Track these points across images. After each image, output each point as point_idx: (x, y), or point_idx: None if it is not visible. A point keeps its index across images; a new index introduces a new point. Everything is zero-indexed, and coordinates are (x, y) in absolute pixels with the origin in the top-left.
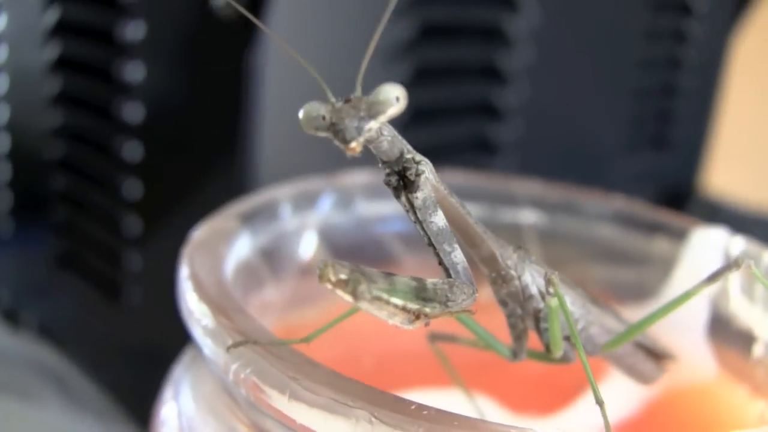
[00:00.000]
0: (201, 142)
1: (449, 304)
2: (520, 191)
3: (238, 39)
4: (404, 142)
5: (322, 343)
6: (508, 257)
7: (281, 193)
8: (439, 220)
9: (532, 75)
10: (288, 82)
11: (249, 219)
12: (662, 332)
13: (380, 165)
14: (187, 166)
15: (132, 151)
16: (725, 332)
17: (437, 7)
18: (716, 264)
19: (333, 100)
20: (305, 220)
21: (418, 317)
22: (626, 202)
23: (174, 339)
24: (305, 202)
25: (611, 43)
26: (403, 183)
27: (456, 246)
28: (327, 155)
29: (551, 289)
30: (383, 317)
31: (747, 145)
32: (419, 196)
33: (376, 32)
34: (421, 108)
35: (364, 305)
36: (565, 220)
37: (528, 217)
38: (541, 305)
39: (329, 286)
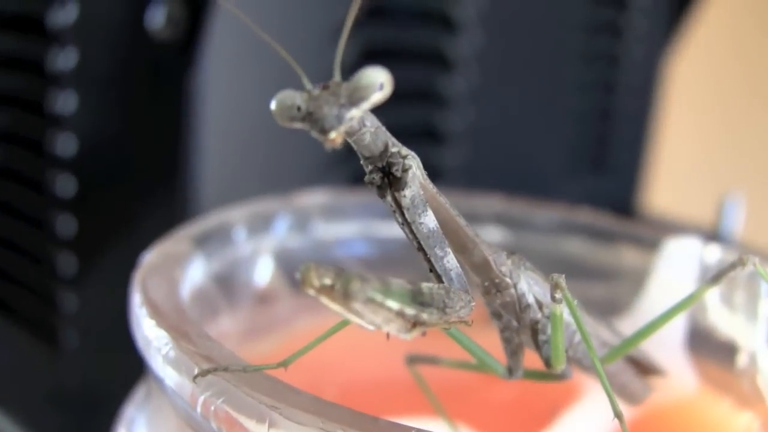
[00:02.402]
0: (139, 173)
1: (447, 310)
2: (482, 207)
3: (175, 62)
4: (389, 134)
5: (279, 374)
6: (502, 263)
7: (234, 216)
8: (429, 221)
9: (474, 99)
10: (230, 105)
11: (202, 242)
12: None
13: (362, 161)
14: (124, 199)
15: (64, 185)
16: (705, 345)
17: (379, 31)
18: (692, 273)
19: (309, 87)
20: (260, 244)
21: (414, 325)
22: (592, 214)
23: (114, 382)
24: (260, 224)
25: (550, 66)
26: (388, 180)
27: (448, 250)
28: (272, 186)
29: (558, 294)
30: (377, 324)
31: (684, 164)
32: (407, 194)
33: (345, 26)
34: None
35: (356, 308)
36: (529, 235)
37: (492, 234)
38: (539, 316)
39: (312, 293)
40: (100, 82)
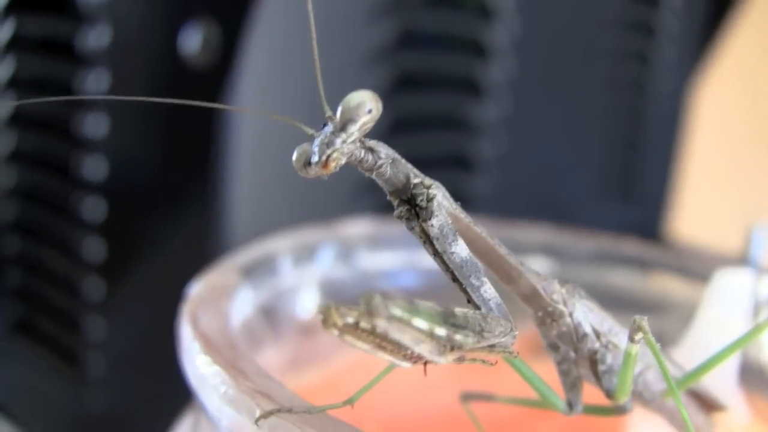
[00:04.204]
0: (169, 198)
1: (485, 334)
2: (527, 237)
3: (208, 87)
4: (410, 165)
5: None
6: (554, 291)
7: (279, 245)
8: (461, 250)
9: (504, 127)
10: (262, 131)
11: (248, 273)
12: None
13: (388, 197)
14: (154, 224)
15: (94, 209)
16: (758, 380)
17: (411, 58)
18: (743, 306)
19: (311, 132)
20: (305, 274)
21: (450, 349)
22: (640, 245)
23: (140, 408)
24: (305, 254)
25: (578, 94)
26: (415, 212)
27: (485, 279)
28: (303, 213)
29: (638, 336)
30: (407, 344)
31: (711, 193)
32: (435, 224)
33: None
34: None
35: (381, 325)
36: (575, 266)
37: (537, 265)
38: (597, 345)
39: (335, 332)
40: (132, 105)
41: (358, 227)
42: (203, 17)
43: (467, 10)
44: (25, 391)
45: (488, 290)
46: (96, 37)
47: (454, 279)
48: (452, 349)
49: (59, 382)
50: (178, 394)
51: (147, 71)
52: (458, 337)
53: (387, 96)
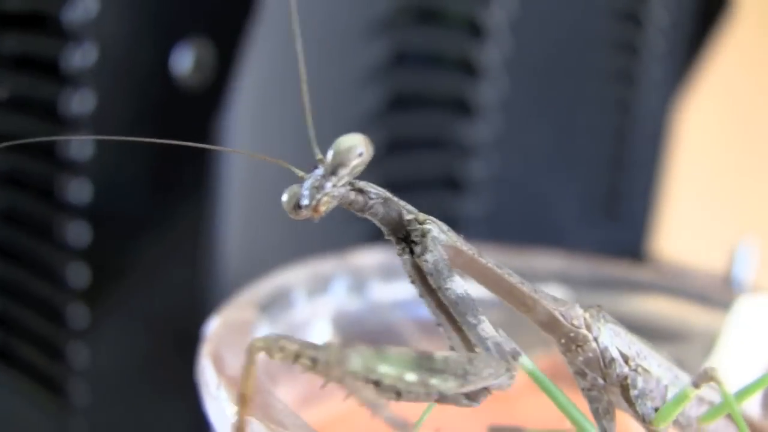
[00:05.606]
0: (156, 223)
1: (469, 377)
2: (541, 265)
3: (201, 109)
4: (402, 203)
5: None
6: (575, 316)
7: (294, 278)
8: (456, 286)
9: (495, 148)
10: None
11: (266, 308)
12: None
13: (386, 236)
14: (140, 249)
15: (78, 234)
16: None
17: (405, 78)
18: (765, 333)
19: (301, 173)
20: (318, 307)
21: (437, 399)
22: (656, 273)
23: None
24: (318, 286)
25: (566, 114)
26: (410, 249)
27: (483, 318)
28: (296, 240)
29: (705, 384)
30: (369, 398)
31: (694, 212)
32: (429, 259)
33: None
34: (390, 180)
35: (337, 375)
36: (593, 295)
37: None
38: (626, 370)
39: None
40: (119, 127)
41: (371, 257)
42: (196, 36)
43: (456, 28)
44: (6, 421)
45: (486, 328)
46: (82, 56)
47: (448, 320)
48: (437, 400)
49: (42, 411)
50: (164, 424)
51: (136, 92)
52: (434, 381)
53: (380, 117)
